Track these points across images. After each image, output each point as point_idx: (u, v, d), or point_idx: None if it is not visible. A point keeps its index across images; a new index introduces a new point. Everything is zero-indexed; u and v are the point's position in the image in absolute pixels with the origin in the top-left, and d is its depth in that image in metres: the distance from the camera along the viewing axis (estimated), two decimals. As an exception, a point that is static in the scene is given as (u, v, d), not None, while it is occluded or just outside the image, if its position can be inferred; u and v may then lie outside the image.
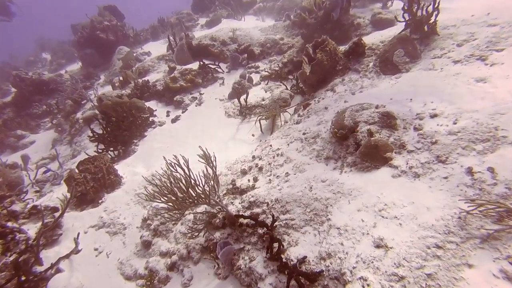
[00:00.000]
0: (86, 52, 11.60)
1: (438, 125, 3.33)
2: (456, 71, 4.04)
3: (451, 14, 5.28)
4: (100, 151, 5.92)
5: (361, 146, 3.45)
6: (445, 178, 2.81)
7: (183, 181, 3.21)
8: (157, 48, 11.38)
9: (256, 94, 6.60)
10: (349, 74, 5.22)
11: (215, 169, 3.51)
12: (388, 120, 3.54)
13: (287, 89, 6.34)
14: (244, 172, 4.08)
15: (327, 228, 2.94)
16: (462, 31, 4.63)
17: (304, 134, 4.21)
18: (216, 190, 3.52)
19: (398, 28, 5.75)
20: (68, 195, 4.52)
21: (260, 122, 5.41)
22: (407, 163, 3.13)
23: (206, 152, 3.48)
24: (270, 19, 12.02)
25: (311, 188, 3.37)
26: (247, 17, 12.37)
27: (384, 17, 6.08)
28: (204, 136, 5.96)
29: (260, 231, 3.18)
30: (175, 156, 3.36)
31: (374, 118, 3.59)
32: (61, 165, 6.73)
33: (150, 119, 6.86)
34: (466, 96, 3.55)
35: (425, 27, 4.86)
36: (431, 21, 4.79)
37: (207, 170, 3.41)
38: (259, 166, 4.01)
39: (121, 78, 8.69)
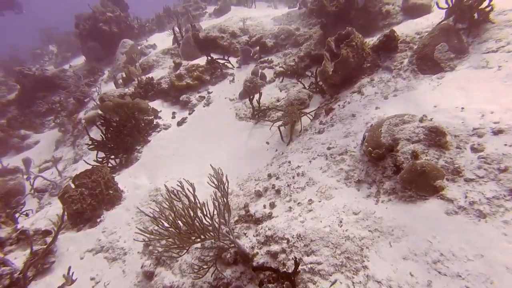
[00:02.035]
0: (89, 46, 11.07)
1: (506, 145, 2.62)
2: (520, 71, 3.27)
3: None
4: (100, 160, 5.44)
5: (402, 171, 2.80)
6: (525, 222, 2.15)
7: (189, 212, 2.68)
8: (163, 40, 10.74)
9: (270, 94, 5.93)
10: (379, 73, 4.48)
11: (227, 196, 2.95)
12: (436, 138, 2.85)
13: (304, 87, 5.65)
14: (258, 195, 3.50)
15: (364, 279, 2.35)
16: (523, 18, 3.80)
17: (328, 149, 3.57)
18: (227, 220, 2.97)
19: (435, 16, 4.91)
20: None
21: (279, 130, 4.76)
22: (465, 196, 2.47)
23: (216, 171, 2.92)
24: (282, 6, 11.13)
25: (341, 222, 2.77)
26: (258, 4, 11.50)
27: (419, 3, 5.22)
28: (213, 143, 5.39)
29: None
30: (179, 182, 2.82)
31: (418, 135, 2.91)
32: (60, 173, 6.32)
33: (155, 121, 6.32)
34: (539, 106, 2.81)
35: (475, 14, 4.03)
36: (483, 6, 3.96)
37: (216, 196, 2.86)
38: (276, 188, 3.41)
39: (124, 75, 8.14)
